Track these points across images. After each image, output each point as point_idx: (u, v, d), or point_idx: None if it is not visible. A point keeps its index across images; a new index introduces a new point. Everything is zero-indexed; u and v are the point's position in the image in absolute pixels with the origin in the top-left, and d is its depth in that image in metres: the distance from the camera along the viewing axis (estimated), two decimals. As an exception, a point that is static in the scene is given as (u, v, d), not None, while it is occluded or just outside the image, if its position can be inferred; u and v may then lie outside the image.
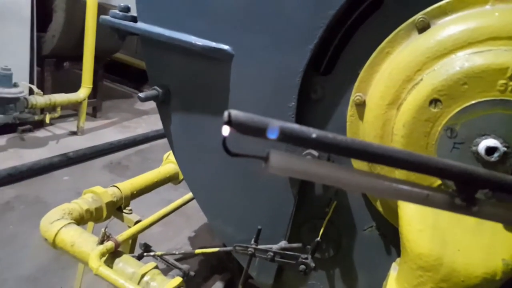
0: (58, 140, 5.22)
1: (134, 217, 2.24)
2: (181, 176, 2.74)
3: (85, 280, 2.44)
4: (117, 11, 1.52)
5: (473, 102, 0.98)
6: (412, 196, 0.59)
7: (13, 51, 4.64)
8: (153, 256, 2.10)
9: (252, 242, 1.52)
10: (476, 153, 0.99)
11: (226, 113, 0.46)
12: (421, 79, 1.07)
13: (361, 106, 1.24)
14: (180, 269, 2.15)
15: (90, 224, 2.30)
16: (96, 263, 1.68)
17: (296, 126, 0.50)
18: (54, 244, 1.85)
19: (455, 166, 0.57)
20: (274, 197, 1.52)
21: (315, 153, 1.30)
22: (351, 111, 1.28)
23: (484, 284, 0.89)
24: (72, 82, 5.70)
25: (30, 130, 5.14)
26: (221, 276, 2.73)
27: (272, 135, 0.48)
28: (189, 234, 3.65)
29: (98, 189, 2.13)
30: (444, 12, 1.09)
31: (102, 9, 5.20)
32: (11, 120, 4.31)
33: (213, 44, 1.41)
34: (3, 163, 4.10)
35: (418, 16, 1.12)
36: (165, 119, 1.68)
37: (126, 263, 1.80)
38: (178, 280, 1.72)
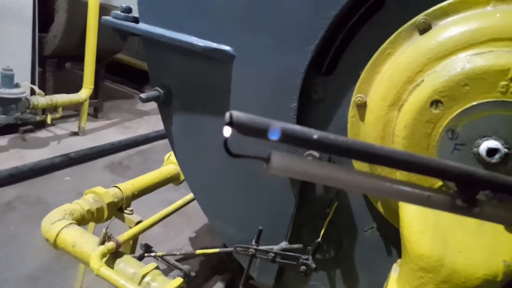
0: (60, 141, 5.23)
1: (135, 217, 2.24)
2: (182, 177, 2.74)
3: (86, 280, 2.45)
4: (118, 12, 1.52)
5: (474, 103, 0.98)
6: (413, 197, 0.59)
7: (14, 52, 4.65)
8: (154, 256, 2.10)
9: (253, 242, 1.52)
10: (477, 155, 0.99)
11: (227, 114, 0.46)
12: (422, 80, 1.07)
13: (362, 107, 1.24)
14: (181, 269, 2.15)
15: (91, 224, 2.30)
16: (97, 264, 1.68)
17: (297, 127, 0.50)
18: (55, 245, 1.86)
19: (456, 167, 0.57)
20: (275, 197, 1.52)
21: (316, 154, 1.30)
22: (352, 112, 1.28)
23: (485, 286, 0.89)
24: (74, 83, 5.71)
25: (31, 131, 5.15)
26: (222, 276, 2.73)
27: (274, 136, 0.48)
28: (190, 234, 3.65)
29: (99, 189, 2.14)
30: (445, 13, 1.09)
31: (104, 9, 5.21)
32: (12, 120, 4.32)
33: (214, 45, 1.41)
34: (5, 163, 4.11)
35: (420, 17, 1.12)
36: (166, 120, 1.68)
37: (127, 263, 1.80)
38: (179, 280, 1.72)
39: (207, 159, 1.65)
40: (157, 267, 1.78)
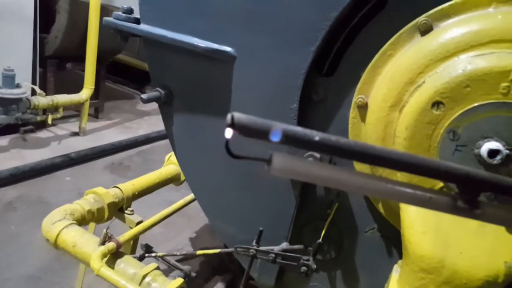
0: (60, 141, 5.23)
1: (135, 218, 2.25)
2: (182, 177, 2.74)
3: (86, 281, 2.45)
4: (120, 13, 1.53)
5: (475, 104, 0.98)
6: (415, 198, 0.59)
7: (16, 52, 4.66)
8: (155, 257, 2.10)
9: (254, 243, 1.52)
10: (479, 156, 0.99)
11: (229, 116, 0.46)
12: (424, 82, 1.07)
13: (363, 108, 1.24)
14: (181, 270, 2.14)
15: (92, 224, 2.31)
16: (98, 264, 1.68)
17: (298, 129, 0.50)
18: (55, 245, 1.86)
19: (457, 168, 0.57)
20: (275, 198, 1.52)
21: (317, 155, 1.30)
22: (353, 113, 1.28)
23: (486, 287, 0.89)
24: (75, 83, 5.72)
25: (32, 131, 5.15)
26: (222, 277, 2.73)
27: (275, 137, 0.48)
28: (190, 235, 3.65)
29: (100, 190, 2.14)
30: (446, 14, 1.09)
31: (105, 10, 5.22)
32: (13, 120, 4.33)
33: (216, 46, 1.41)
34: (6, 163, 4.11)
35: (421, 18, 1.12)
36: (167, 120, 1.68)
37: (127, 264, 1.80)
38: (179, 281, 1.72)
39: (208, 159, 1.65)
40: (157, 268, 1.78)
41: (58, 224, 1.87)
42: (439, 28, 1.10)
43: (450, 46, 1.04)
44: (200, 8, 1.43)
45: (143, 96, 1.53)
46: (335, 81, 1.35)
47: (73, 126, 5.72)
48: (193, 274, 2.15)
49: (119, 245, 1.84)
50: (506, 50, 0.97)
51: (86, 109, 5.48)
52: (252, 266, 1.56)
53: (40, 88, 4.82)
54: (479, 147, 0.98)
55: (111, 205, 2.13)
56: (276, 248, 1.49)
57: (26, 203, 3.66)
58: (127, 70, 8.60)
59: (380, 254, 1.45)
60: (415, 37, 1.14)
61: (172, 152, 2.66)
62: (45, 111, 4.93)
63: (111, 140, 5.35)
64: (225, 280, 2.69)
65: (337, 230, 1.49)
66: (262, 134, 0.48)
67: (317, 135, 0.50)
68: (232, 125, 0.46)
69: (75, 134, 5.54)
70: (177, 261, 2.25)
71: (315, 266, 1.42)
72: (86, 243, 1.81)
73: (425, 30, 1.12)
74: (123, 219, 2.27)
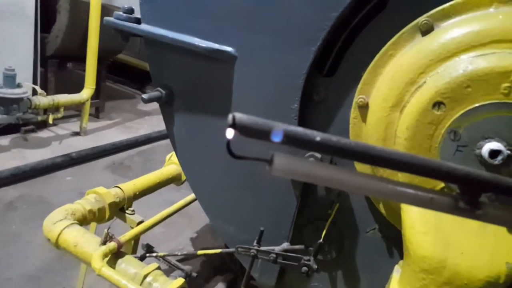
0: (61, 141, 5.24)
1: (136, 217, 2.25)
2: (183, 177, 2.75)
3: (87, 280, 2.45)
4: (121, 13, 1.53)
5: (476, 105, 0.98)
6: (416, 199, 0.59)
7: (16, 52, 4.67)
8: (156, 257, 2.10)
9: (255, 243, 1.52)
10: (480, 156, 0.98)
11: (230, 116, 0.46)
12: (425, 82, 1.07)
13: (364, 108, 1.24)
14: (182, 270, 2.15)
15: (93, 224, 2.31)
16: (99, 264, 1.69)
17: (300, 129, 0.50)
18: (57, 245, 1.86)
19: (458, 169, 0.57)
20: (276, 198, 1.52)
21: (317, 155, 1.30)
22: (354, 113, 1.28)
23: (487, 287, 0.89)
24: (75, 83, 5.73)
25: (33, 131, 5.16)
26: (223, 277, 2.73)
27: (276, 138, 0.48)
28: (191, 235, 3.66)
29: (101, 189, 2.14)
30: (447, 14, 1.09)
31: (106, 10, 5.22)
32: (14, 120, 4.33)
33: (216, 46, 1.41)
34: (6, 163, 4.12)
35: (422, 18, 1.12)
36: (168, 120, 1.68)
37: (128, 263, 1.81)
38: (180, 281, 1.73)
39: (209, 159, 1.65)
40: (158, 268, 1.78)
41: (59, 224, 1.87)
42: (440, 28, 1.10)
43: (451, 46, 1.04)
44: (201, 8, 1.43)
45: (144, 96, 1.53)
46: (336, 81, 1.35)
47: (74, 126, 5.73)
48: (194, 274, 2.15)
49: (120, 245, 1.84)
50: (507, 50, 0.97)
51: (87, 109, 5.48)
52: (253, 266, 1.56)
53: (41, 88, 4.83)
54: (480, 148, 0.98)
55: (112, 205, 2.13)
56: (277, 248, 1.49)
57: (27, 203, 3.66)
58: (127, 70, 8.61)
59: (381, 254, 1.45)
60: (416, 37, 1.14)
61: (173, 152, 2.66)
62: (46, 111, 4.94)
63: (112, 140, 5.36)
64: (226, 280, 2.69)
65: (338, 230, 1.49)
66: (263, 134, 0.48)
67: (318, 136, 0.50)
68: (233, 125, 0.46)
69: (76, 134, 5.55)
70: (178, 261, 2.26)
71: (316, 266, 1.42)
72: (87, 243, 1.82)
73: (426, 30, 1.11)
74: (124, 219, 2.27)
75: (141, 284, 1.69)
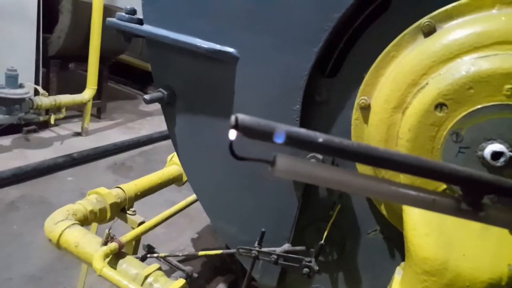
0: (63, 141, 5.25)
1: (137, 218, 2.25)
2: (184, 178, 2.75)
3: (88, 281, 2.45)
4: (123, 14, 1.53)
5: (479, 106, 0.98)
6: (418, 200, 0.59)
7: (19, 52, 4.68)
8: (157, 257, 2.10)
9: (256, 244, 1.52)
10: (482, 158, 0.98)
11: (233, 117, 0.46)
12: (427, 83, 1.07)
13: (366, 109, 1.24)
14: (183, 270, 2.14)
15: (94, 225, 2.31)
16: (100, 264, 1.69)
17: (302, 131, 0.50)
18: (58, 245, 1.86)
19: (461, 171, 0.57)
20: (278, 199, 1.52)
21: (319, 156, 1.30)
22: (356, 114, 1.28)
23: (489, 290, 0.89)
24: (77, 83, 5.74)
25: (35, 131, 5.17)
26: (224, 278, 2.73)
27: (279, 139, 0.48)
28: (192, 235, 3.66)
29: (102, 190, 2.14)
30: (450, 16, 1.09)
31: (108, 10, 5.23)
32: (16, 120, 4.34)
33: (218, 47, 1.41)
34: (8, 163, 4.13)
35: (424, 20, 1.12)
36: (169, 121, 1.68)
37: (129, 264, 1.81)
38: (181, 281, 1.73)
39: (210, 160, 1.65)
40: (159, 268, 1.78)
41: (61, 224, 1.87)
42: (443, 29, 1.10)
43: (454, 48, 1.04)
44: (203, 9, 1.43)
45: (146, 96, 1.53)
46: (338, 82, 1.35)
47: (75, 126, 5.73)
48: (195, 275, 2.15)
49: (121, 246, 1.84)
50: (509, 52, 0.97)
51: (88, 109, 5.49)
52: (254, 267, 1.55)
53: (43, 88, 4.84)
54: (483, 149, 0.98)
55: (114, 205, 2.14)
56: (278, 249, 1.49)
57: (28, 203, 3.67)
58: (129, 71, 8.62)
59: (382, 256, 1.44)
60: (418, 39, 1.14)
61: (175, 153, 2.66)
62: (47, 111, 4.95)
63: (113, 140, 5.37)
64: (227, 281, 2.68)
65: (340, 232, 1.49)
66: (266, 135, 0.48)
67: (320, 137, 0.50)
68: (236, 126, 0.46)
69: (78, 134, 5.56)
70: (179, 261, 2.25)
71: (317, 268, 1.42)
72: (89, 243, 1.82)
73: (428, 31, 1.11)
74: (125, 220, 2.27)
75: (142, 285, 1.69)
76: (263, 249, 1.50)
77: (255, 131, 0.47)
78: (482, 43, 1.00)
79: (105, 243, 1.80)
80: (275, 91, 1.39)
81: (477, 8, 1.06)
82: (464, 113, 1.00)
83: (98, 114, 6.40)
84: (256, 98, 1.44)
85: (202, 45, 1.42)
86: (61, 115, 5.01)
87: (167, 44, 1.48)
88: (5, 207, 3.53)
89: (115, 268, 1.77)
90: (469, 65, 0.99)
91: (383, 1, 1.23)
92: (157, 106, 1.65)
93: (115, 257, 1.82)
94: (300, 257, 1.44)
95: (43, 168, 4.20)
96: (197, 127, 1.63)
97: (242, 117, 0.46)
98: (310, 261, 1.42)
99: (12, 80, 4.17)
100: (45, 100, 4.60)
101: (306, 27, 1.27)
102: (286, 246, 1.51)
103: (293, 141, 0.49)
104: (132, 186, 2.34)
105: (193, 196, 2.57)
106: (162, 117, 1.71)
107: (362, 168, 1.30)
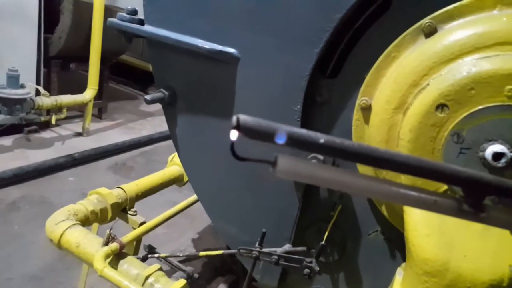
0: (64, 141, 5.25)
1: (138, 218, 2.25)
2: (185, 178, 2.75)
3: (89, 281, 2.45)
4: (124, 14, 1.53)
5: (480, 107, 0.98)
6: (419, 201, 0.59)
7: (20, 53, 4.69)
8: (157, 257, 2.10)
9: (257, 245, 1.52)
10: (483, 159, 0.98)
11: (234, 118, 0.46)
12: (428, 84, 1.07)
13: (367, 110, 1.24)
14: (184, 271, 2.14)
15: (95, 225, 2.31)
16: (101, 265, 1.69)
17: (303, 131, 0.50)
18: (59, 245, 1.86)
19: (462, 171, 0.57)
20: (278, 200, 1.52)
21: (320, 156, 1.30)
22: (356, 115, 1.28)
23: (490, 291, 0.89)
24: (78, 84, 5.75)
25: (36, 131, 5.17)
26: (225, 278, 2.73)
27: (280, 140, 0.48)
28: (193, 236, 3.66)
29: (103, 190, 2.14)
30: (451, 16, 1.09)
31: (109, 11, 5.24)
32: (17, 121, 4.35)
33: (219, 47, 1.41)
34: (9, 163, 4.13)
35: (425, 20, 1.12)
36: (170, 121, 1.68)
37: (130, 264, 1.81)
38: (182, 282, 1.73)
39: (211, 160, 1.65)
40: (160, 268, 1.78)
41: (62, 225, 1.88)
42: (444, 30, 1.10)
43: (455, 48, 1.04)
44: (204, 9, 1.43)
45: (147, 97, 1.53)
46: (339, 83, 1.35)
47: (76, 126, 5.74)
48: (196, 275, 2.15)
49: (122, 246, 1.84)
50: (511, 52, 0.97)
51: (89, 110, 5.50)
52: (254, 268, 1.55)
53: (44, 88, 4.84)
54: (484, 150, 0.98)
55: (114, 205, 2.14)
56: (279, 250, 1.49)
57: (29, 203, 3.67)
58: (130, 71, 8.63)
59: (383, 256, 1.44)
60: (419, 39, 1.14)
61: (175, 153, 2.67)
62: (49, 111, 4.96)
63: (114, 140, 5.37)
64: (227, 281, 2.68)
65: (340, 232, 1.49)
66: (267, 136, 0.48)
67: (322, 138, 0.50)
68: (238, 127, 0.46)
69: (79, 134, 5.56)
70: (180, 262, 2.26)
71: (318, 268, 1.42)
72: (90, 244, 1.82)
73: (430, 32, 1.11)
74: (126, 220, 2.27)
75: (142, 285, 1.69)
76: (264, 250, 1.50)
77: (257, 132, 0.47)
78: (483, 44, 1.00)
79: (106, 244, 1.80)
80: (276, 91, 1.39)
81: (478, 9, 1.06)
82: (465, 114, 1.00)
83: (99, 115, 6.40)
84: (257, 99, 1.44)
85: (203, 46, 1.42)
86: (62, 115, 5.02)
87: (168, 45, 1.48)
88: (6, 207, 3.54)
89: (116, 269, 1.78)
90: (470, 66, 0.99)
91: (384, 1, 1.23)
92: (158, 106, 1.66)
93: (116, 258, 1.82)
94: (301, 257, 1.44)
95: (44, 168, 4.21)
96: (198, 128, 1.63)
97: (243, 117, 0.46)
98: (311, 262, 1.42)
99: (14, 80, 4.18)
100: (46, 100, 4.60)
101: (307, 28, 1.27)
102: (287, 247, 1.51)
103: (294, 142, 0.49)
104: (133, 186, 2.34)
105: (194, 197, 2.57)
106: (163, 118, 1.71)
107: (363, 169, 1.30)
